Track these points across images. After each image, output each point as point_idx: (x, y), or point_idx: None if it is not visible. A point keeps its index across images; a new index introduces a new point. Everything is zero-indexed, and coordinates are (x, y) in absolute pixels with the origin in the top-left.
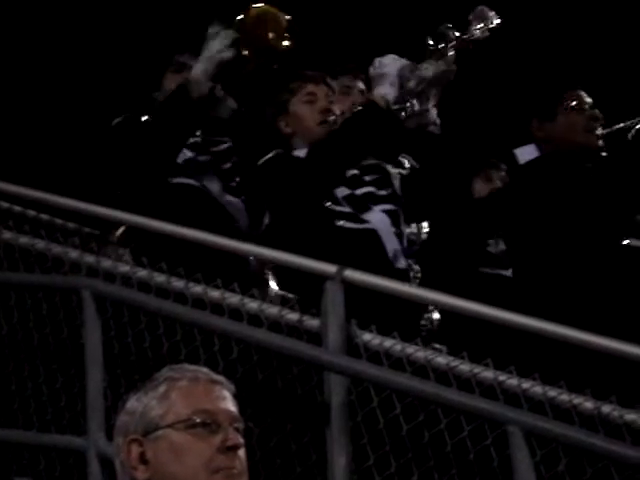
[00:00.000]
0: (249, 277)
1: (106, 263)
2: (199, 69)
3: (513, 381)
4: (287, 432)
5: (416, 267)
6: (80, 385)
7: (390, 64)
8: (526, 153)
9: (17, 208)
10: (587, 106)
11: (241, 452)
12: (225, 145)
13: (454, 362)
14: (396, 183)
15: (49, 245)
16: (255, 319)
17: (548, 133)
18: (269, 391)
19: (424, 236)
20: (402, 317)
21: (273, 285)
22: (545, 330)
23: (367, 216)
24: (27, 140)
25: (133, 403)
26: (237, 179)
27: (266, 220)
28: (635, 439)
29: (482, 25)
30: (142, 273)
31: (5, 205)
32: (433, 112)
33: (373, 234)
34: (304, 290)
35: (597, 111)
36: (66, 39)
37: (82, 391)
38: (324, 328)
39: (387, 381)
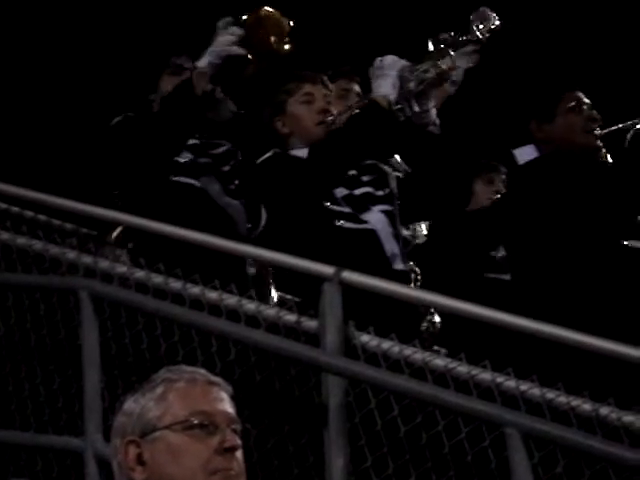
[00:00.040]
0: (247, 278)
1: (104, 264)
2: (205, 61)
3: (511, 383)
4: (285, 433)
5: (418, 270)
6: (77, 386)
7: (391, 65)
8: (525, 154)
9: (15, 209)
10: (585, 107)
11: (238, 453)
12: (223, 148)
13: (452, 364)
14: (393, 184)
15: (47, 246)
16: (253, 320)
17: (547, 134)
18: (267, 392)
19: (422, 239)
20: (400, 319)
21: (274, 294)
22: (543, 332)
23: (366, 216)
24: (24, 141)
25: (130, 404)
26: (236, 182)
27: (263, 221)
28: (633, 441)
29: (483, 26)
30: (140, 274)
31: (3, 206)
32: (433, 112)
33: (372, 234)
34: (302, 291)
35: (595, 112)
36: (64, 40)
37: (79, 392)
38: (322, 329)
39: (385, 383)
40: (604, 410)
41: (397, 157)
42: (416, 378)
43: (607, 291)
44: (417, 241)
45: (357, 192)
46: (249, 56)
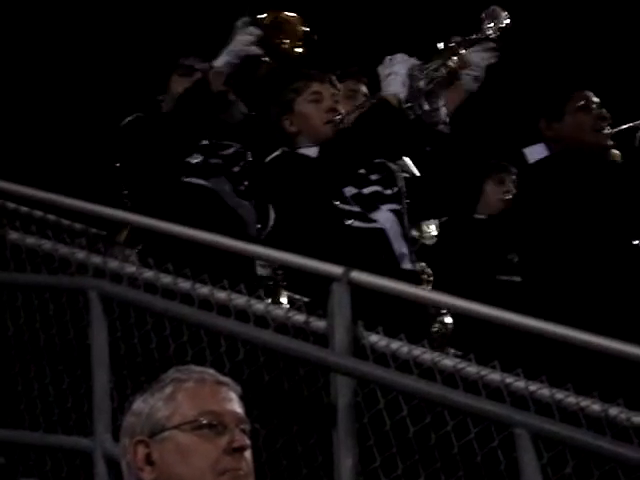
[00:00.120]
0: (256, 278)
1: (113, 264)
2: (223, 61)
3: (520, 383)
4: (293, 433)
5: (429, 271)
6: (86, 386)
7: (400, 63)
8: (535, 152)
9: (24, 209)
10: (594, 106)
11: (247, 453)
12: (232, 149)
13: (461, 364)
14: (401, 182)
15: (56, 246)
16: (262, 320)
17: (556, 133)
18: (275, 392)
19: (432, 240)
20: (409, 319)
21: (284, 300)
22: (552, 332)
23: (375, 215)
24: (34, 141)
25: (139, 404)
26: (246, 183)
27: (271, 221)
28: None
29: (493, 24)
30: (149, 274)
31: (12, 206)
32: (443, 111)
33: (381, 233)
34: (310, 291)
35: (604, 111)
36: (73, 40)
37: (88, 392)
38: (331, 330)
39: (394, 383)
40: (613, 411)
41: (408, 160)
42: (425, 378)
43: (616, 290)
44: (427, 242)
45: (366, 191)
46: (265, 57)
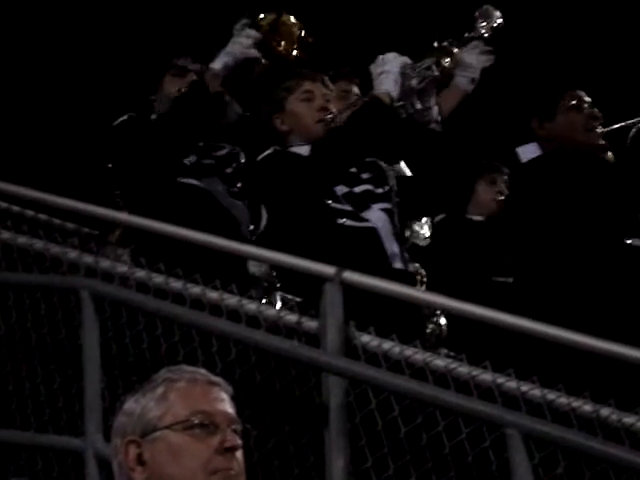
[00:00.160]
0: (248, 278)
1: (104, 263)
2: (220, 63)
3: (512, 384)
4: (285, 434)
5: (423, 272)
6: (78, 386)
7: (392, 61)
8: (528, 151)
9: (15, 208)
10: (586, 105)
11: (239, 453)
12: (225, 150)
13: (452, 364)
14: (392, 181)
15: (47, 245)
16: (253, 320)
17: (548, 132)
18: (267, 393)
19: (425, 241)
20: (401, 319)
21: (278, 301)
22: (543, 333)
23: (367, 214)
24: (25, 140)
25: (131, 404)
26: (239, 184)
27: (264, 221)
28: (633, 442)
29: (486, 23)
30: (140, 274)
31: (3, 205)
32: (435, 110)
33: (373, 233)
34: (303, 291)
35: (596, 110)
36: (65, 40)
37: (80, 392)
38: (322, 330)
39: (385, 383)
40: (605, 411)
41: (402, 164)
42: (417, 379)
43: (609, 289)
44: (420, 243)
45: (357, 190)
46: (262, 60)
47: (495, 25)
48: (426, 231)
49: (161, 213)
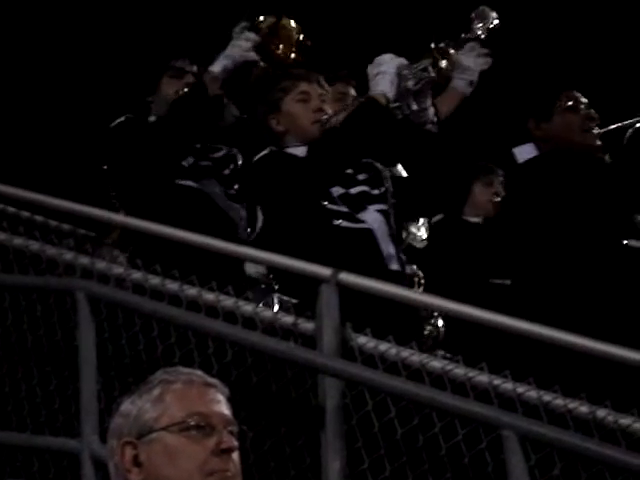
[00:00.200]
0: (244, 280)
1: (100, 265)
2: (219, 65)
3: (508, 385)
4: (281, 435)
5: (420, 273)
6: (74, 387)
7: (388, 62)
8: (525, 152)
9: (11, 209)
10: (582, 106)
11: (235, 455)
12: (222, 152)
13: (449, 366)
14: (387, 182)
15: (44, 246)
16: (250, 322)
17: (545, 132)
18: (263, 394)
19: (422, 243)
20: (398, 321)
21: (276, 308)
22: (539, 334)
23: (363, 216)
24: (21, 141)
25: (127, 406)
26: (236, 186)
27: (260, 223)
28: (629, 444)
29: (482, 24)
30: (136, 275)
31: None
32: (431, 111)
33: (369, 234)
34: (299, 293)
35: (593, 111)
36: (62, 41)
37: (76, 393)
38: (319, 331)
39: (382, 384)
40: (601, 413)
41: (400, 167)
42: (413, 380)
43: (606, 290)
44: (417, 245)
45: (353, 191)
46: (261, 63)
47: (491, 26)
48: (423, 233)
49: (158, 215)
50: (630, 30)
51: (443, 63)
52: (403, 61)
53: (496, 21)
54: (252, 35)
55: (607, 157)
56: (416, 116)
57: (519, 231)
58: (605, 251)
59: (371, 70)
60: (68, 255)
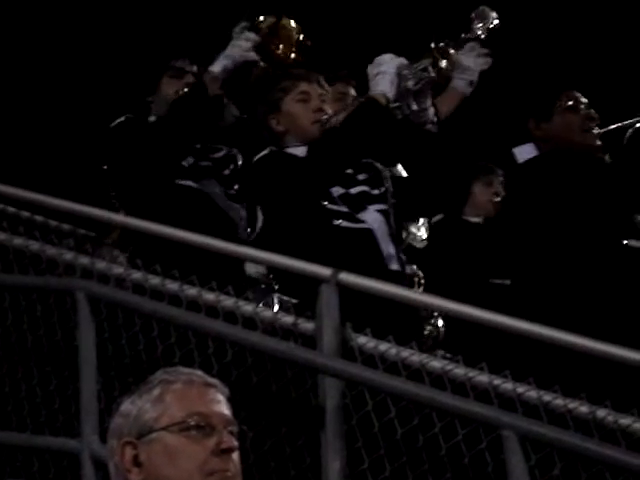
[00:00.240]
0: (244, 280)
1: (100, 265)
2: (220, 65)
3: (508, 385)
4: (281, 435)
5: (420, 274)
6: (74, 387)
7: (388, 62)
8: (525, 152)
9: (11, 209)
10: (582, 106)
11: (235, 455)
12: (222, 152)
13: (449, 366)
14: (387, 182)
15: (44, 246)
16: (250, 322)
17: (545, 132)
18: (263, 394)
19: (422, 243)
20: (398, 321)
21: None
22: (539, 334)
23: (363, 216)
24: (21, 141)
25: (127, 406)
26: (236, 186)
27: (260, 223)
28: (629, 444)
29: (482, 24)
30: (137, 275)
31: None
32: (431, 111)
33: (369, 234)
34: (299, 293)
35: (593, 111)
36: (62, 41)
37: (76, 393)
38: (319, 331)
39: (382, 384)
40: (601, 413)
41: (400, 167)
42: (413, 380)
43: (605, 290)
44: (417, 245)
45: (353, 191)
46: (261, 63)
47: (491, 26)
48: (423, 233)
49: (158, 215)
50: (630, 30)
51: (443, 63)
52: (403, 61)
53: (496, 21)
54: (252, 35)
55: (607, 157)
56: (416, 116)
57: (519, 231)
58: (605, 251)
59: (371, 70)
60: (68, 255)
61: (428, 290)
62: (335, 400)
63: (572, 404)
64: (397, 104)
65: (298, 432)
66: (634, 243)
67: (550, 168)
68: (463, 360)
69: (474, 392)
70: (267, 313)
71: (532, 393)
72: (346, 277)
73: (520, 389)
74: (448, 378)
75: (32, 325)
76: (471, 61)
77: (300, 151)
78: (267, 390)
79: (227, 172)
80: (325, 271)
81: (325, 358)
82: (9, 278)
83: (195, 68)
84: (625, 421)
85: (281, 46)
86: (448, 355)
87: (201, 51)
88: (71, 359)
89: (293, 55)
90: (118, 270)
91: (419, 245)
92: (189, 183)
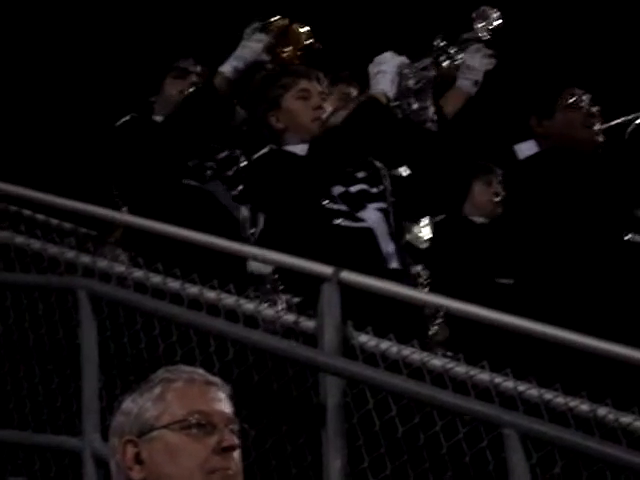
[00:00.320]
0: (246, 278)
1: (102, 263)
2: (230, 66)
3: (509, 384)
4: (283, 434)
5: (424, 273)
6: (76, 385)
7: (389, 61)
8: (526, 149)
9: (13, 208)
10: (584, 103)
11: (236, 453)
12: (224, 153)
13: (450, 364)
14: (386, 181)
15: (45, 245)
16: (251, 320)
17: (547, 130)
18: (265, 392)
19: (424, 243)
20: (399, 319)
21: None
22: (540, 332)
23: (363, 214)
24: (23, 140)
25: (128, 404)
26: (240, 187)
27: (260, 224)
28: (630, 442)
29: (484, 24)
30: (138, 274)
31: (1, 205)
32: (431, 110)
33: (369, 233)
34: (300, 291)
35: (595, 108)
36: (67, 40)
37: (78, 391)
38: (320, 329)
39: (383, 383)
40: (602, 411)
41: (404, 169)
42: (414, 378)
43: (607, 286)
44: (420, 246)
45: (353, 189)
46: (269, 65)
47: (492, 26)
48: (425, 233)
49: (162, 213)
50: (631, 27)
51: (444, 62)
52: (404, 60)
53: (498, 21)
54: (263, 36)
55: (604, 153)
56: (416, 115)
57: (520, 228)
58: (607, 247)
59: (372, 69)
60: (70, 254)
61: (433, 290)
62: (336, 398)
63: (573, 402)
64: (397, 103)
65: (299, 430)
66: (636, 238)
67: (551, 165)
68: (464, 358)
69: (475, 390)
70: (268, 312)
71: (533, 391)
72: (347, 276)
73: (521, 387)
74: (449, 376)
75: (34, 323)
76: (476, 61)
77: (300, 149)
78: (268, 388)
79: (230, 173)
80: (326, 270)
81: (326, 356)
82: (11, 276)
83: (199, 68)
84: (626, 419)
85: (288, 49)
86: (449, 353)
87: (205, 51)
88: (73, 357)
89: (298, 61)
90: (119, 269)
91: (422, 245)
92: (194, 183)
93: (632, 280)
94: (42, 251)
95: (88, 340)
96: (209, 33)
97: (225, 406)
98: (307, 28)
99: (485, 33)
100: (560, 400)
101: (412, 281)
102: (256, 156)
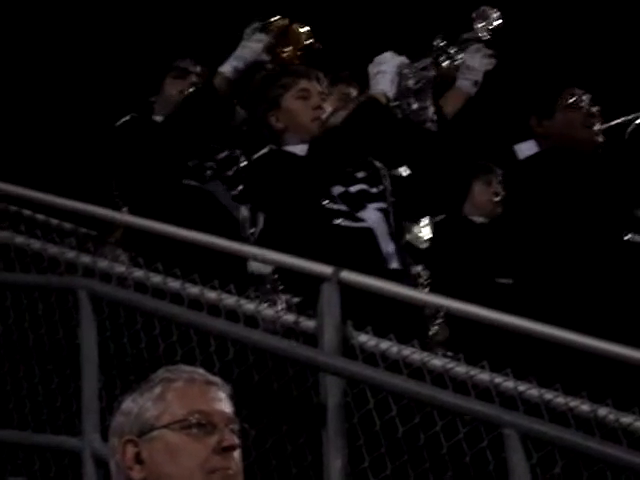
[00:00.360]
0: (246, 278)
1: (102, 263)
2: (230, 66)
3: (509, 384)
4: (283, 433)
5: (424, 274)
6: (75, 385)
7: (389, 61)
8: (526, 149)
9: (13, 208)
10: (584, 103)
11: (236, 453)
12: (224, 153)
13: (450, 364)
14: (385, 180)
15: (45, 245)
16: (251, 320)
17: (547, 130)
18: (265, 392)
19: (424, 244)
20: (399, 319)
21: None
22: (541, 332)
23: (362, 214)
24: (23, 140)
25: (129, 404)
26: (240, 187)
27: (260, 224)
28: (631, 442)
29: (484, 24)
30: (138, 273)
31: (1, 205)
32: (431, 110)
33: (369, 233)
34: (300, 291)
35: (595, 108)
36: (67, 40)
37: (77, 391)
38: (320, 329)
39: (383, 383)
40: (602, 411)
41: (404, 169)
42: (414, 378)
43: (607, 286)
44: (420, 246)
45: (352, 189)
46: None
47: (492, 26)
48: (425, 233)
49: (162, 213)
50: (632, 27)
51: (444, 63)
52: (404, 60)
53: (498, 21)
54: (264, 36)
55: (604, 153)
56: (416, 115)
57: (520, 228)
58: (607, 247)
59: (372, 69)
60: (70, 254)
61: (433, 290)
62: (336, 398)
63: (573, 402)
64: (397, 103)
65: (299, 430)
66: (636, 238)
67: (551, 165)
68: (464, 358)
69: (475, 390)
70: (268, 311)
71: (533, 391)
72: (347, 275)
73: (521, 387)
74: (449, 376)
75: (34, 323)
76: (476, 61)
77: (300, 149)
78: (268, 388)
79: (230, 173)
80: (326, 269)
81: (326, 356)
82: (11, 276)
83: (199, 69)
84: (626, 420)
85: (288, 49)
86: (449, 353)
87: (205, 51)
88: (73, 357)
89: (298, 61)
90: (120, 269)
91: (422, 246)
92: (195, 183)
93: (632, 280)
94: (42, 251)
95: (88, 340)
96: (209, 33)
97: (225, 406)
98: (307, 28)
99: (485, 33)
100: (560, 400)
101: (412, 281)
102: (256, 156)
